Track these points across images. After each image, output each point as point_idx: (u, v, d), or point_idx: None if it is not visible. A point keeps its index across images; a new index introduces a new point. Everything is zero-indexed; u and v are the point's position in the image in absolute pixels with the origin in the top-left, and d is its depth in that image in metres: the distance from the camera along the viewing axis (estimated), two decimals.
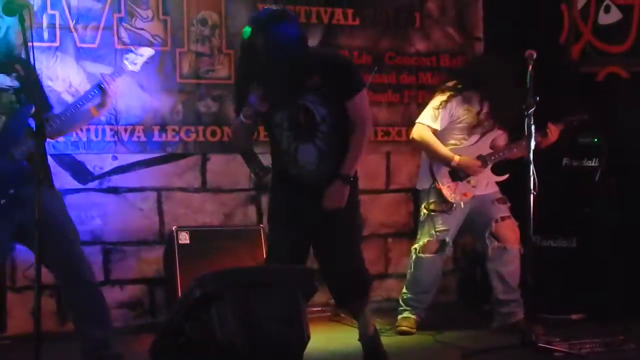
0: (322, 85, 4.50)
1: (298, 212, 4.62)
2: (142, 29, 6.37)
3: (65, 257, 4.70)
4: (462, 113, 5.82)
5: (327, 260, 4.71)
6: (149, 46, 6.31)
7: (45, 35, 6.05)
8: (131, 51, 5.05)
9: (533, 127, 5.20)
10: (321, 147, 4.55)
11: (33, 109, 4.67)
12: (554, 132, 5.82)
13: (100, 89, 4.85)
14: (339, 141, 4.58)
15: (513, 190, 5.78)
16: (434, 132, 5.79)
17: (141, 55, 5.02)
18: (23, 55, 4.75)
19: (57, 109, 4.94)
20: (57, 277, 4.82)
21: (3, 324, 5.66)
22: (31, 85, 4.79)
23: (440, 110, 5.79)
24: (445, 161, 5.77)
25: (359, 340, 4.91)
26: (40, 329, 4.12)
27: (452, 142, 5.86)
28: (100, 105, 4.90)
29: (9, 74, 4.73)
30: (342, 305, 4.84)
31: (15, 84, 4.73)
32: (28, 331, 5.00)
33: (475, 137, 5.87)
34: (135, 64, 5.00)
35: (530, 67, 5.17)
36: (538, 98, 5.16)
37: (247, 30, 4.47)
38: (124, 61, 5.00)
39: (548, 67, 5.42)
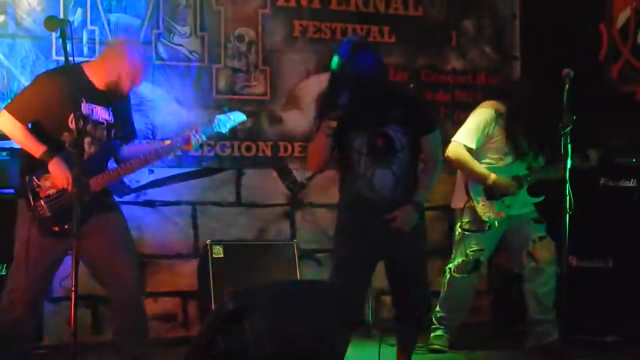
0: (404, 117, 4.66)
1: (368, 231, 4.68)
2: (179, 45, 6.42)
3: (118, 272, 4.76)
4: (498, 132, 5.80)
5: (397, 282, 4.83)
6: (186, 62, 6.39)
7: (85, 50, 6.12)
8: (224, 113, 5.09)
9: (570, 146, 5.17)
10: (397, 173, 4.67)
11: (119, 144, 4.88)
12: (592, 159, 5.81)
13: (187, 141, 4.90)
14: (413, 170, 4.76)
15: (549, 210, 5.75)
16: (469, 150, 5.78)
17: (233, 121, 5.07)
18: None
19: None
20: (107, 290, 4.88)
21: (39, 334, 5.70)
22: (123, 119, 4.90)
23: (476, 129, 5.78)
24: (481, 179, 5.75)
25: None
26: (76, 339, 4.14)
27: (488, 160, 5.84)
28: (176, 150, 4.98)
29: (107, 107, 4.79)
30: (402, 326, 4.91)
31: (110, 118, 4.80)
32: (64, 341, 5.02)
33: (510, 158, 5.85)
34: (225, 126, 5.05)
35: (568, 85, 5.14)
36: (575, 117, 5.14)
37: (335, 60, 4.64)
38: (216, 122, 5.03)
39: (586, 87, 5.39)
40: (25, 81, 5.90)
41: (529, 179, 5.85)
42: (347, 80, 4.56)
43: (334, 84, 4.66)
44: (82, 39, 6.11)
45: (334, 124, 4.58)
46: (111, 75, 4.74)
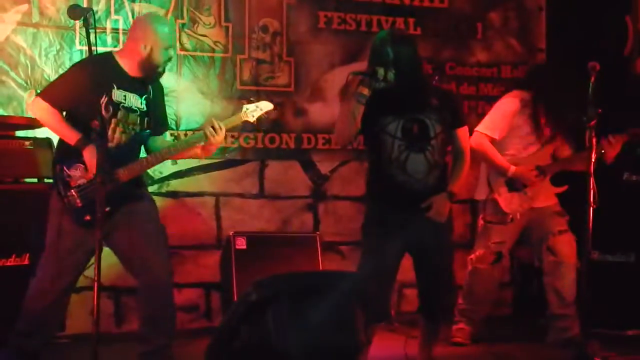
0: (439, 107, 4.72)
1: (400, 219, 4.67)
2: (204, 36, 6.43)
3: (149, 262, 4.80)
4: (522, 122, 5.78)
5: (427, 273, 4.81)
6: (210, 52, 6.39)
7: (109, 39, 6.14)
8: (252, 102, 5.07)
9: (595, 140, 5.13)
10: (430, 159, 4.68)
11: (149, 133, 4.90)
12: (614, 144, 5.73)
13: (213, 131, 4.88)
14: (443, 159, 4.77)
15: (572, 204, 5.72)
16: (492, 140, 5.76)
17: (260, 110, 5.05)
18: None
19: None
20: (138, 280, 4.91)
21: (62, 323, 5.73)
22: (156, 109, 4.93)
23: (500, 119, 5.76)
24: (501, 171, 5.74)
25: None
26: (98, 329, 4.17)
27: (511, 152, 5.82)
28: (206, 147, 4.98)
29: (141, 96, 4.82)
30: (427, 319, 4.90)
31: (143, 106, 4.83)
32: (86, 331, 5.05)
33: (534, 147, 5.83)
34: (253, 116, 5.03)
35: (593, 78, 5.12)
36: (600, 110, 5.11)
37: (381, 35, 4.79)
38: (244, 110, 5.01)
39: (611, 80, 5.36)
40: (48, 70, 5.95)
41: (552, 168, 5.82)
42: (388, 60, 4.62)
43: (375, 59, 4.69)
44: (105, 28, 6.12)
45: (366, 90, 4.60)
46: (143, 51, 4.75)
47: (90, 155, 4.61)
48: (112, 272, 5.09)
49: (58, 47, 6.03)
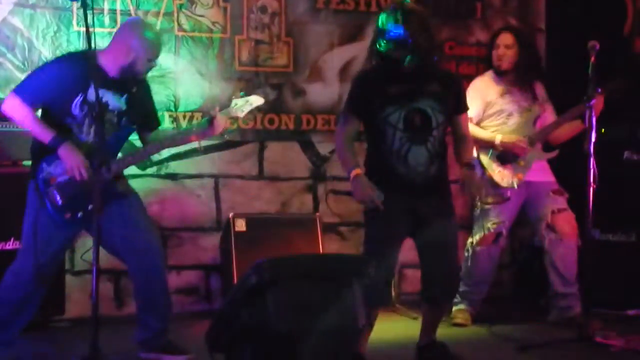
0: (442, 93, 4.65)
1: (404, 208, 4.64)
2: (202, 16, 6.39)
3: (138, 249, 4.78)
4: (494, 95, 5.78)
5: (433, 258, 4.76)
6: (208, 33, 6.36)
7: (106, 20, 6.10)
8: (242, 96, 5.00)
9: (595, 119, 5.12)
10: (432, 151, 4.64)
11: (130, 131, 4.88)
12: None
13: (210, 123, 4.86)
14: (444, 148, 4.75)
15: (572, 183, 5.71)
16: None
17: (250, 105, 5.00)
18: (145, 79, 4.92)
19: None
20: (130, 267, 4.90)
21: (62, 307, 5.73)
22: (139, 108, 4.87)
23: (471, 99, 5.71)
24: (488, 143, 5.71)
25: (419, 343, 4.96)
26: (97, 312, 4.16)
27: (493, 128, 5.80)
28: (202, 136, 4.94)
29: (121, 95, 4.76)
30: (431, 303, 4.88)
31: (122, 106, 4.77)
32: (86, 314, 5.06)
33: (515, 119, 5.81)
34: (242, 110, 4.98)
35: (593, 58, 5.10)
36: (600, 89, 5.10)
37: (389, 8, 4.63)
38: (232, 105, 4.94)
39: (611, 59, 5.34)
40: (46, 52, 5.92)
41: (540, 135, 5.80)
42: (397, 39, 4.52)
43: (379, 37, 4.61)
44: (103, 9, 6.08)
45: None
46: (126, 58, 4.69)
47: (66, 152, 4.58)
48: (111, 255, 5.07)
49: (55, 28, 6.00)
